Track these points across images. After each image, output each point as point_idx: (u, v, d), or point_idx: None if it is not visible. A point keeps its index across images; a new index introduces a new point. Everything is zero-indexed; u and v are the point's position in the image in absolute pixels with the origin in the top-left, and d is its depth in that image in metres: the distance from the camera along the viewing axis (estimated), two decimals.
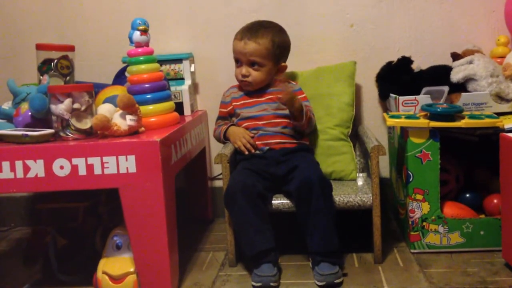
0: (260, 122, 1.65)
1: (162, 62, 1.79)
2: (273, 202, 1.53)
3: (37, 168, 1.35)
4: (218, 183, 2.01)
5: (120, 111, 1.44)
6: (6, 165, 1.35)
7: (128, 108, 1.43)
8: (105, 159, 1.34)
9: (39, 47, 1.61)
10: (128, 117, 1.43)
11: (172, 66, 1.88)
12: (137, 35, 1.56)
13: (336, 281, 1.38)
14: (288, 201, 1.52)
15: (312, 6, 1.90)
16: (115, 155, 1.34)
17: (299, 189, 1.45)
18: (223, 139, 1.68)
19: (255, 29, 1.64)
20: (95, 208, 1.61)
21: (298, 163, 1.52)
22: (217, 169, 2.01)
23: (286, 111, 1.66)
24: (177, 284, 1.45)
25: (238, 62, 1.66)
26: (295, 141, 1.64)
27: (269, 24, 1.67)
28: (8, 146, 1.38)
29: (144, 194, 1.35)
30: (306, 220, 1.44)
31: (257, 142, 1.62)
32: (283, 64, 1.69)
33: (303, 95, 1.70)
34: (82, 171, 1.35)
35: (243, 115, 1.67)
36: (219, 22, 1.94)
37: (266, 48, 1.61)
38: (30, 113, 1.47)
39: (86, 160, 1.34)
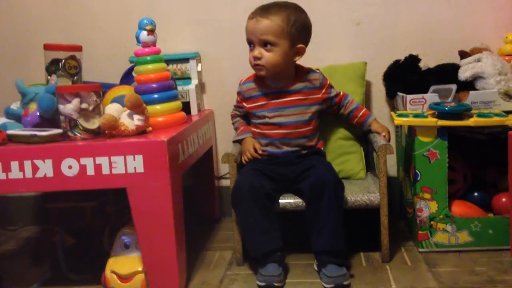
0: (282, 131, 1.56)
1: (169, 61, 1.80)
2: (280, 201, 1.53)
3: (45, 168, 1.36)
4: (225, 182, 2.01)
5: (128, 111, 1.44)
6: (15, 165, 1.36)
7: (136, 108, 1.43)
8: (113, 158, 1.35)
9: (47, 47, 1.61)
10: (136, 116, 1.44)
11: (179, 65, 1.88)
12: (144, 35, 1.57)
13: (345, 282, 1.37)
14: (295, 200, 1.52)
15: (319, 4, 1.90)
16: (123, 154, 1.35)
17: (313, 187, 1.44)
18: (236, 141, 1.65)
19: (269, 6, 1.51)
20: (103, 208, 1.61)
21: (313, 163, 1.51)
22: (224, 168, 2.01)
23: (312, 116, 1.58)
24: (185, 283, 1.46)
25: (251, 44, 1.54)
26: (311, 145, 1.60)
27: (285, 2, 1.54)
28: (17, 146, 1.39)
29: (151, 194, 1.36)
30: (315, 219, 1.44)
31: (269, 148, 1.58)
32: (299, 45, 1.53)
33: (328, 83, 1.63)
34: (90, 171, 1.35)
35: (263, 121, 1.58)
36: (226, 22, 1.94)
37: (279, 25, 1.47)
38: (38, 113, 1.48)
39: (94, 160, 1.35)
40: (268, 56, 1.50)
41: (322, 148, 1.65)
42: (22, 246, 1.89)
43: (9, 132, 1.44)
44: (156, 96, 1.56)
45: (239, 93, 1.65)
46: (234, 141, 1.64)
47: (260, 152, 1.57)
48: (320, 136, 1.65)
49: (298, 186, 1.51)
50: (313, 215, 1.44)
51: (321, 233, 1.42)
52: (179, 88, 1.80)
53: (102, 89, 1.50)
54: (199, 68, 1.91)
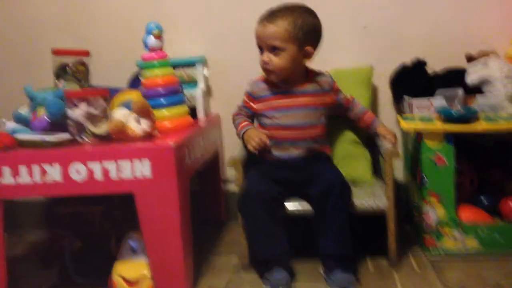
0: (290, 133, 1.54)
1: (175, 66, 1.80)
2: (287, 205, 1.53)
3: (53, 172, 1.37)
4: (232, 186, 2.02)
5: (135, 116, 1.45)
6: (23, 169, 1.37)
7: (143, 113, 1.44)
8: (120, 163, 1.36)
9: (55, 52, 1.63)
10: (143, 121, 1.44)
11: (186, 70, 1.89)
12: (151, 39, 1.58)
13: (351, 287, 1.38)
14: (302, 204, 1.52)
15: (325, 7, 1.89)
16: (130, 159, 1.35)
17: (321, 192, 1.44)
18: (240, 137, 1.60)
19: (276, 11, 1.51)
20: (110, 212, 1.62)
21: (321, 168, 1.51)
22: (230, 172, 2.02)
23: (321, 119, 1.58)
24: (191, 287, 1.46)
25: (261, 49, 1.54)
26: (318, 148, 1.59)
27: (294, 5, 1.53)
28: (25, 150, 1.40)
29: (158, 198, 1.36)
30: (322, 223, 1.44)
31: (277, 151, 1.56)
32: (308, 48, 1.52)
33: (337, 86, 1.64)
34: (98, 175, 1.36)
35: (271, 122, 1.56)
36: (232, 26, 1.95)
37: (286, 30, 1.47)
38: (46, 118, 1.49)
39: (101, 165, 1.36)
40: (276, 61, 1.51)
41: (329, 152, 1.65)
42: (30, 250, 1.90)
43: (17, 136, 1.45)
44: (163, 100, 1.57)
45: (248, 93, 1.63)
46: (239, 134, 1.59)
47: (267, 141, 1.50)
48: (327, 140, 1.65)
49: (305, 191, 1.51)
50: (320, 219, 1.44)
51: (328, 237, 1.42)
52: (186, 92, 1.80)
53: (109, 94, 1.51)
54: (205, 72, 1.92)
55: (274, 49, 1.50)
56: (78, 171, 1.36)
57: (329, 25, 1.89)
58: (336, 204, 1.42)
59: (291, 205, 1.53)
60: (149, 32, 1.58)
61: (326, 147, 1.64)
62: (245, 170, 1.57)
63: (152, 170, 1.35)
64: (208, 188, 2.00)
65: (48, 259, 1.66)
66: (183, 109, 1.63)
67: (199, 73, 1.89)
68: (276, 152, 1.57)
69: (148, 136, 1.46)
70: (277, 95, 1.57)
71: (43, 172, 1.37)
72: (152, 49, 1.58)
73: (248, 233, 1.51)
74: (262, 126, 1.61)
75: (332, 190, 1.42)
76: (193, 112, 1.79)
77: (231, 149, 1.76)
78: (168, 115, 1.57)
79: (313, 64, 1.62)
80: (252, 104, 1.62)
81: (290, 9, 1.52)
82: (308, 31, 1.52)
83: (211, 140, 1.82)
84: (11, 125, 1.56)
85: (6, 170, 1.38)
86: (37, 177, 1.37)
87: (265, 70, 1.54)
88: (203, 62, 1.91)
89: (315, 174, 1.50)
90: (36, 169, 1.37)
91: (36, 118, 1.52)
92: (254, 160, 1.60)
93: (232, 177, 1.95)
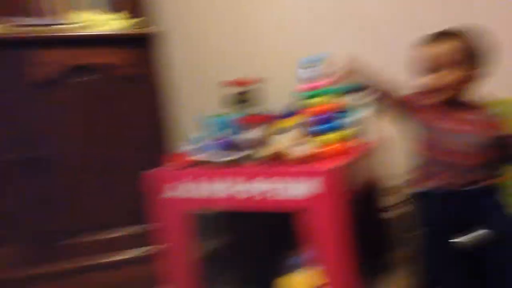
0: (454, 160, 1.48)
1: (337, 93, 1.83)
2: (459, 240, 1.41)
3: (221, 189, 1.55)
4: (392, 214, 1.96)
5: (296, 140, 1.53)
6: (216, 185, 1.57)
7: (303, 138, 1.53)
8: (282, 184, 1.46)
9: (225, 83, 1.80)
10: (304, 146, 1.52)
11: (348, 96, 1.90)
12: (311, 70, 1.68)
13: None
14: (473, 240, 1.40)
15: (501, 30, 1.74)
16: (292, 181, 1.45)
17: (490, 240, 1.36)
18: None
19: (444, 32, 1.51)
20: (273, 230, 1.72)
21: (488, 206, 1.42)
22: (390, 200, 1.96)
23: (483, 148, 1.48)
24: None
25: (426, 70, 1.51)
26: (481, 180, 1.47)
27: (462, 28, 1.50)
28: (201, 169, 1.61)
29: (329, 216, 1.43)
30: (494, 271, 1.35)
31: (438, 182, 1.49)
32: (473, 72, 1.48)
33: (501, 119, 1.51)
34: (262, 194, 1.49)
35: (429, 141, 1.51)
36: (398, 52, 1.91)
37: (454, 51, 1.46)
38: (217, 141, 1.66)
39: (265, 185, 1.49)
40: (438, 82, 1.48)
41: (498, 185, 1.49)
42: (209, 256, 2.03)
43: (193, 157, 1.66)
44: (324, 126, 1.64)
45: (413, 96, 1.56)
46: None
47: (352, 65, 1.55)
48: (497, 172, 1.51)
49: (472, 228, 1.40)
50: (491, 272, 1.36)
51: None
52: (348, 118, 1.80)
53: (273, 120, 1.62)
54: (367, 99, 1.91)
55: (440, 69, 1.47)
56: (243, 190, 1.51)
57: (504, 48, 1.73)
58: (506, 253, 1.33)
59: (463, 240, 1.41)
60: (310, 63, 1.69)
61: (495, 178, 1.49)
62: (408, 199, 1.52)
63: (315, 191, 1.43)
64: (369, 216, 1.97)
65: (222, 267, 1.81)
66: (344, 134, 1.66)
67: (361, 99, 1.89)
68: (437, 183, 1.49)
69: (309, 160, 1.52)
70: (439, 117, 1.51)
71: (230, 187, 1.55)
72: (310, 80, 1.68)
73: (421, 268, 1.47)
74: (420, 141, 1.53)
75: (503, 242, 1.34)
76: (355, 137, 1.79)
77: (394, 175, 1.72)
78: (330, 140, 1.62)
79: (484, 90, 1.52)
80: (416, 106, 1.54)
81: (456, 33, 1.49)
82: (475, 55, 1.47)
83: (373, 166, 1.81)
84: (190, 146, 1.76)
85: (203, 186, 1.59)
86: (225, 191, 1.56)
87: (427, 91, 1.51)
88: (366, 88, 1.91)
89: (481, 211, 1.41)
90: (224, 184, 1.56)
91: (209, 141, 1.69)
92: (418, 190, 1.54)
93: (393, 206, 1.90)
